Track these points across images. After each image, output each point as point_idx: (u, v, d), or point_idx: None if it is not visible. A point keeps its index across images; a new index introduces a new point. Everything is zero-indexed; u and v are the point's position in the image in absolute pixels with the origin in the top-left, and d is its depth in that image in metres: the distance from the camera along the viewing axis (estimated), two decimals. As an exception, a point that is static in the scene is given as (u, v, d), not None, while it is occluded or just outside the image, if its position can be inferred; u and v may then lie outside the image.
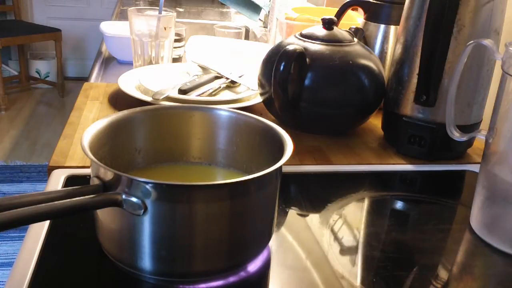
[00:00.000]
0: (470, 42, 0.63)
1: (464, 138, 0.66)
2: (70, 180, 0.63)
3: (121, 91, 0.89)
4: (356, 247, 0.57)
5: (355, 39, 0.83)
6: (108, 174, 0.45)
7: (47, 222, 0.54)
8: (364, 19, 0.96)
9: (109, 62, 1.28)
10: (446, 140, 0.69)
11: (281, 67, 0.74)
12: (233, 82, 0.97)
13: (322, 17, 0.82)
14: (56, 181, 0.63)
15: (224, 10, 2.32)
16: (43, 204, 0.41)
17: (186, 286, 0.48)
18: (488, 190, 0.59)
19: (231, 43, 1.29)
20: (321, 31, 0.81)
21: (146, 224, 0.44)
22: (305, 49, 0.77)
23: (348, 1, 0.98)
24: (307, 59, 0.77)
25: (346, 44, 0.80)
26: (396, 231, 0.61)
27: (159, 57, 1.06)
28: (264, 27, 1.70)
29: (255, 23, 1.74)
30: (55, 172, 0.65)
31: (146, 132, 0.59)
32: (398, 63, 0.78)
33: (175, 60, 1.15)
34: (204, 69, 1.02)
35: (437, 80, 0.73)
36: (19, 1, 3.87)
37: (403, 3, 0.78)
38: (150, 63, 1.05)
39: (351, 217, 0.62)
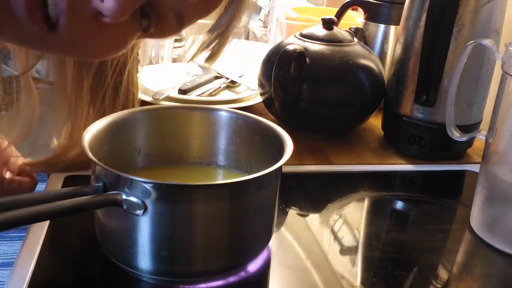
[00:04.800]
0: (470, 42, 0.63)
1: (464, 138, 0.66)
2: (70, 180, 0.63)
3: (121, 91, 0.89)
4: (356, 247, 0.57)
5: (355, 39, 0.83)
6: (108, 174, 0.45)
7: (47, 222, 0.54)
8: (364, 19, 0.96)
9: (109, 62, 1.28)
10: (446, 140, 0.69)
11: (281, 67, 0.74)
12: (233, 82, 0.97)
13: (322, 17, 0.82)
14: (56, 181, 0.63)
15: (224, 10, 2.32)
16: (43, 204, 0.41)
17: (186, 286, 0.48)
18: (488, 190, 0.59)
19: (231, 43, 1.29)
20: (321, 31, 0.81)
21: (146, 224, 0.44)
22: (305, 49, 0.77)
23: (348, 1, 0.98)
24: (307, 59, 0.77)
25: (346, 44, 0.80)
26: (396, 231, 0.61)
27: (159, 57, 1.06)
28: (264, 27, 1.70)
29: (255, 23, 1.74)
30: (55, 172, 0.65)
31: (146, 132, 0.59)
32: (398, 63, 0.78)
33: (175, 60, 1.15)
34: (204, 69, 1.02)
35: (437, 80, 0.73)
36: (19, 1, 3.86)
37: (403, 3, 0.78)
38: (150, 63, 1.05)
39: (351, 217, 0.62)
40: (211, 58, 0.52)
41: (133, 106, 0.64)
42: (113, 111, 0.61)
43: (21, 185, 0.58)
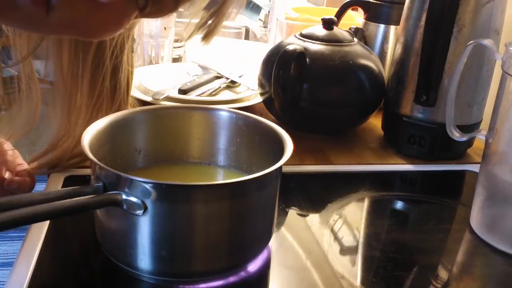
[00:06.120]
0: (470, 42, 0.63)
1: (464, 138, 0.66)
2: (70, 180, 0.63)
3: (121, 91, 0.89)
4: (356, 247, 0.57)
5: (355, 39, 0.83)
6: (108, 174, 0.45)
7: (47, 222, 0.54)
8: (364, 19, 0.96)
9: (109, 62, 1.27)
10: (446, 140, 0.69)
11: (281, 67, 0.74)
12: (233, 82, 0.97)
13: (322, 17, 0.82)
14: (56, 181, 0.63)
15: (224, 10, 2.32)
16: (43, 204, 0.41)
17: (186, 286, 0.48)
18: (488, 190, 0.59)
19: (231, 43, 1.29)
20: (321, 31, 0.81)
21: (146, 224, 0.44)
22: (305, 49, 0.77)
23: (348, 1, 0.98)
24: (307, 59, 0.77)
25: (346, 44, 0.80)
26: (396, 231, 0.61)
27: (159, 57, 1.06)
28: (264, 27, 1.70)
29: (255, 23, 1.74)
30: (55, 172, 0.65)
31: (146, 132, 0.59)
32: (398, 63, 0.78)
33: (175, 60, 1.15)
34: (204, 69, 1.02)
35: (437, 80, 0.73)
36: (19, 1, 3.86)
37: (403, 3, 0.78)
38: (150, 63, 1.05)
39: (351, 217, 0.62)
40: (207, 36, 0.52)
41: (128, 85, 0.64)
42: (112, 92, 0.61)
43: (20, 186, 0.59)
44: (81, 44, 0.58)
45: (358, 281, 0.51)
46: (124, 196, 0.44)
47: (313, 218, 0.62)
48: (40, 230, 0.53)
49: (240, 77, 0.98)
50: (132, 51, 0.63)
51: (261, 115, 0.60)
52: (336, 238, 0.57)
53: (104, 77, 0.60)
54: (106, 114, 0.58)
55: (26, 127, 0.60)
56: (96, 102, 0.61)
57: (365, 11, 0.96)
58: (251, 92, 0.92)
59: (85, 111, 0.61)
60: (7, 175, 0.58)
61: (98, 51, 0.59)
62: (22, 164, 0.62)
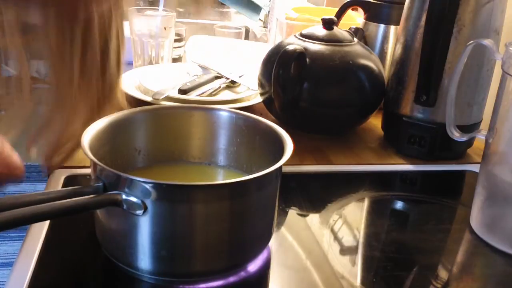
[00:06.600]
0: (470, 42, 0.63)
1: (464, 138, 0.66)
2: (70, 180, 0.63)
3: (121, 91, 0.89)
4: (356, 247, 0.57)
5: (355, 39, 0.83)
6: (108, 174, 0.45)
7: (47, 222, 0.54)
8: (364, 19, 0.96)
9: (109, 62, 1.27)
10: (446, 140, 0.69)
11: (281, 67, 0.74)
12: (233, 82, 0.97)
13: (322, 17, 0.82)
14: (56, 181, 0.63)
15: (224, 10, 2.32)
16: (43, 204, 0.41)
17: (186, 286, 0.48)
18: (488, 190, 0.59)
19: (231, 43, 1.29)
20: (321, 31, 0.81)
21: (146, 224, 0.44)
22: (305, 49, 0.77)
23: (348, 1, 0.98)
24: (307, 59, 0.77)
25: (346, 44, 0.80)
26: (396, 231, 0.61)
27: (159, 57, 1.06)
28: (264, 27, 1.70)
29: (255, 23, 1.74)
30: (55, 172, 0.65)
31: (146, 132, 0.59)
32: (398, 63, 0.78)
33: (175, 60, 1.15)
34: (204, 69, 1.02)
35: (437, 80, 0.73)
36: (19, 1, 3.86)
37: (403, 3, 0.78)
38: (150, 63, 1.05)
39: (351, 217, 0.62)
40: None
41: (119, 66, 0.63)
42: (104, 75, 0.60)
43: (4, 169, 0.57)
44: (68, 29, 0.56)
45: (358, 281, 0.51)
46: (124, 196, 0.44)
47: (313, 218, 0.62)
48: (40, 230, 0.53)
49: (240, 77, 0.98)
50: (123, 29, 0.61)
51: (261, 115, 0.60)
52: (336, 238, 0.57)
53: (93, 59, 0.58)
54: (97, 87, 0.56)
55: (19, 126, 0.60)
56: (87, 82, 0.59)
57: (365, 11, 0.96)
58: (251, 92, 0.92)
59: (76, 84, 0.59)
60: None
61: (85, 33, 0.57)
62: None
